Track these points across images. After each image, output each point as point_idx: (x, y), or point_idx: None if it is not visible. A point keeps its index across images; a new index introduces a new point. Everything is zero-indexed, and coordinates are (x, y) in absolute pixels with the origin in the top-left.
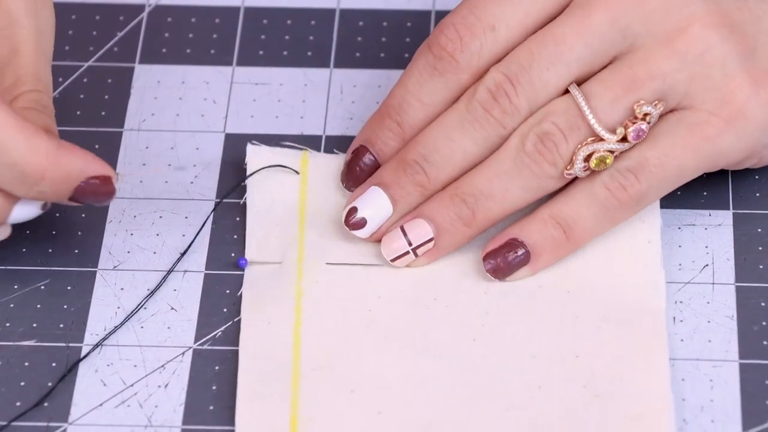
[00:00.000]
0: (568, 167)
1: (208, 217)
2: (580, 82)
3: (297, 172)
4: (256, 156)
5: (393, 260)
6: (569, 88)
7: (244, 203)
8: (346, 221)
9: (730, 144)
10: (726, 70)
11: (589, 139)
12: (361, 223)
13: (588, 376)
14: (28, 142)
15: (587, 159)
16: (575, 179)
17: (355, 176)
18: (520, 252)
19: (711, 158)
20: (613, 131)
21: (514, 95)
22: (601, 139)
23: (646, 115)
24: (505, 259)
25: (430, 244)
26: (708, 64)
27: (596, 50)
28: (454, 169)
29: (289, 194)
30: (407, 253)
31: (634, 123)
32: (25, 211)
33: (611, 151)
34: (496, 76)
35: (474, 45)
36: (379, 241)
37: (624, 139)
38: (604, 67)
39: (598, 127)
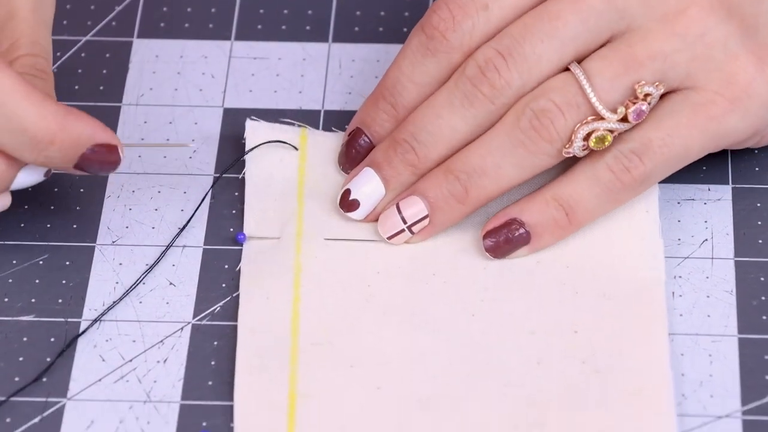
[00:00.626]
0: (567, 146)
1: (207, 192)
2: (577, 62)
3: (296, 149)
4: (254, 132)
5: (389, 238)
6: (569, 66)
7: (243, 178)
8: (341, 203)
9: (735, 123)
10: (728, 50)
11: (589, 118)
12: (355, 205)
13: (587, 351)
14: (37, 108)
15: (586, 138)
16: (576, 160)
17: (351, 158)
18: (520, 232)
19: (716, 138)
20: (614, 110)
21: (505, 69)
22: (601, 118)
23: (647, 95)
24: (504, 239)
25: (425, 221)
26: (709, 45)
27: (592, 28)
28: (443, 148)
29: (288, 170)
30: (403, 230)
31: (634, 103)
32: (28, 178)
33: (611, 131)
34: (486, 52)
35: (466, 24)
36: (376, 221)
37: (624, 119)
38: (600, 47)
39: (599, 105)
